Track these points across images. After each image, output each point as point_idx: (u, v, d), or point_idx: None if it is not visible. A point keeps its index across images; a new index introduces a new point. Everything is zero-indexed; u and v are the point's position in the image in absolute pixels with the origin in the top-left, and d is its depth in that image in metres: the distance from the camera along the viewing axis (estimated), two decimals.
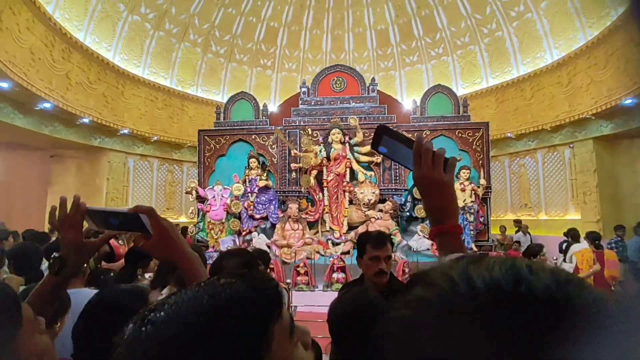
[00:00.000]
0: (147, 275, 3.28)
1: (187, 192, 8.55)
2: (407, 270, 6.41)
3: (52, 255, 0.99)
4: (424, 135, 8.49)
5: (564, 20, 9.84)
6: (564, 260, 6.37)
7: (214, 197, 8.08)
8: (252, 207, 8.09)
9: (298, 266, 6.66)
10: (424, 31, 12.97)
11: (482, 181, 8.13)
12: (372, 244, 2.08)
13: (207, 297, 0.47)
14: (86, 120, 9.49)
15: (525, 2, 10.61)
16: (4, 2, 6.57)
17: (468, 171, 8.08)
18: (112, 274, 3.25)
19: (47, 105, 8.22)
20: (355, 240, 7.12)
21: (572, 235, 6.55)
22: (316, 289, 6.55)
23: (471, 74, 12.57)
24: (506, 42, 11.46)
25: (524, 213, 11.48)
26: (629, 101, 8.00)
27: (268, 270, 2.92)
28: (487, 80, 12.18)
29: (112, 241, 3.82)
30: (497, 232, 9.67)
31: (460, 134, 8.49)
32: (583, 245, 6.27)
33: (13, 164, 10.45)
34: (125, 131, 10.87)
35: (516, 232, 9.93)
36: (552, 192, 10.98)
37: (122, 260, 3.91)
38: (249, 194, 8.14)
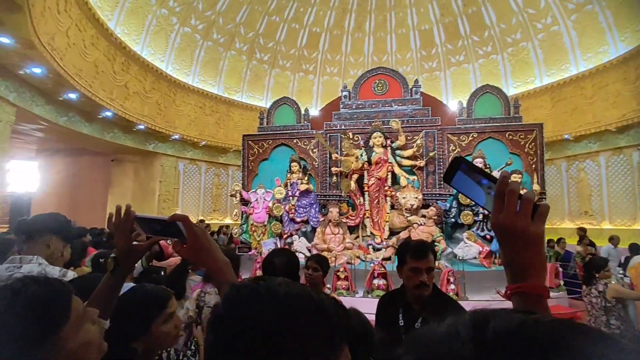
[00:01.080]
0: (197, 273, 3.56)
1: (231, 195, 8.86)
2: (452, 279, 6.13)
3: (109, 256, 1.12)
4: (472, 137, 8.13)
5: (629, 11, 8.95)
6: (625, 275, 5.80)
7: (256, 200, 8.30)
8: (293, 210, 8.19)
9: (338, 271, 6.62)
10: (471, 29, 12.44)
11: (536, 187, 7.58)
12: (412, 255, 1.97)
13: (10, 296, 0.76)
14: (141, 126, 10.20)
15: None
16: (69, 19, 7.25)
17: (520, 176, 7.57)
18: (162, 272, 3.47)
19: (108, 113, 8.95)
20: (396, 246, 6.96)
21: (632, 249, 5.92)
22: (356, 295, 6.46)
23: (523, 72, 11.83)
24: (563, 37, 10.65)
25: (584, 221, 10.55)
26: None
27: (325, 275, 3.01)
28: (541, 79, 11.39)
29: (162, 242, 4.07)
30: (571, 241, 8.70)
31: (510, 136, 8.00)
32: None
33: (80, 167, 11.50)
34: (176, 136, 11.53)
35: (578, 242, 8.99)
36: (617, 198, 10.00)
37: (171, 258, 4.18)
38: (290, 198, 8.25)
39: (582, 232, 9.06)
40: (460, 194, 7.57)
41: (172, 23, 11.09)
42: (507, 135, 8.03)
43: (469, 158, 8.05)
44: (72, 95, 7.83)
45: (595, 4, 9.69)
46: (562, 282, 7.04)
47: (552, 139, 10.15)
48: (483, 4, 11.83)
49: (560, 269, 7.27)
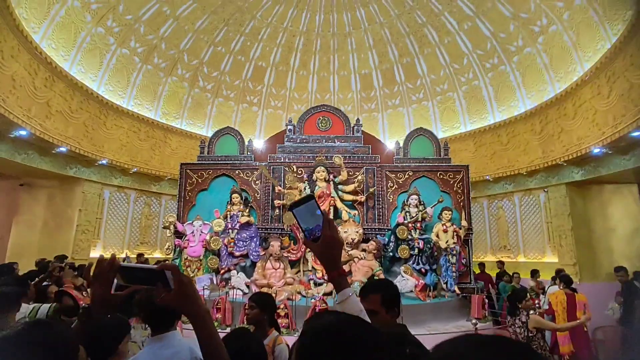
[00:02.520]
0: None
1: (164, 227, 8.24)
2: None
3: (82, 307, 1.18)
4: (408, 176, 8.64)
5: (535, 74, 10.59)
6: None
7: (192, 232, 7.81)
8: (232, 243, 7.83)
9: (278, 308, 6.35)
10: (406, 77, 13.63)
11: (464, 222, 8.22)
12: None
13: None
14: (63, 149, 9.20)
15: (499, 56, 11.40)
16: None
17: (450, 212, 8.19)
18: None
19: (23, 132, 7.95)
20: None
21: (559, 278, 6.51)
22: (296, 333, 6.22)
23: (450, 119, 13.14)
24: (482, 91, 12.15)
25: (504, 255, 11.61)
26: (597, 150, 8.47)
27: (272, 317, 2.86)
28: (465, 125, 12.74)
29: (75, 293, 3.53)
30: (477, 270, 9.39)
31: (441, 176, 8.70)
32: (556, 288, 6.40)
33: None
34: (104, 162, 10.58)
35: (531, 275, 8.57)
36: (529, 234, 11.22)
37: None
38: (230, 230, 7.91)
39: (500, 265, 9.95)
40: (393, 232, 7.91)
41: (109, 43, 10.49)
42: (438, 175, 8.71)
43: (404, 195, 8.56)
44: None
45: (507, 65, 11.29)
46: (486, 313, 7.54)
47: (475, 179, 11.22)
48: (415, 56, 13.11)
49: (487, 300, 7.79)
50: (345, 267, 7.49)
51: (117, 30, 10.51)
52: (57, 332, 0.99)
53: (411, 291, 7.30)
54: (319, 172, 8.12)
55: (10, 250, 10.10)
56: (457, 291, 7.85)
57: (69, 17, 9.21)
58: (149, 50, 11.55)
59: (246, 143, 9.06)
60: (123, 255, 11.07)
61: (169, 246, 8.00)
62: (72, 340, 1.01)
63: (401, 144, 9.15)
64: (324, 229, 1.14)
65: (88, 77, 10.07)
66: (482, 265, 9.81)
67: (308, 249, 7.76)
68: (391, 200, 8.60)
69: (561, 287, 6.13)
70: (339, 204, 8.11)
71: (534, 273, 8.50)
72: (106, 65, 10.59)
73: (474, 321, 5.32)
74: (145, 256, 10.52)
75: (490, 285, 8.96)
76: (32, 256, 8.88)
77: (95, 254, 10.73)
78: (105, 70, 10.63)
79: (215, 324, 6.19)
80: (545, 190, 10.68)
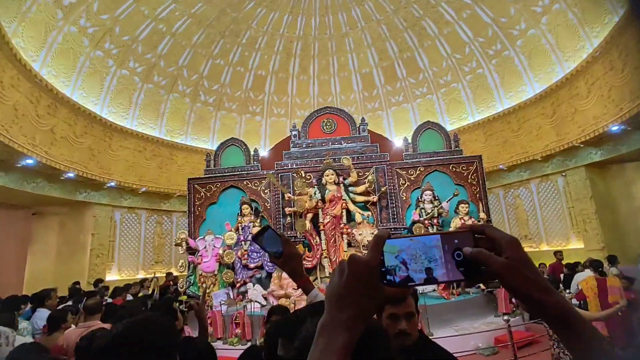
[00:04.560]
0: None
1: (176, 244, 8.11)
2: None
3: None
4: (419, 171, 8.40)
5: (541, 55, 10.28)
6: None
7: (205, 247, 7.66)
8: (246, 255, 7.67)
9: None
10: (407, 72, 13.42)
11: (482, 215, 7.92)
12: (388, 299, 1.77)
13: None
14: (71, 174, 9.19)
15: (501, 41, 11.12)
16: None
17: (467, 205, 7.90)
18: None
19: (29, 161, 7.95)
20: None
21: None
22: None
23: (457, 110, 12.85)
24: (488, 79, 11.86)
25: (525, 245, 11.21)
26: (615, 128, 8.11)
27: None
28: (473, 115, 12.44)
29: None
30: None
31: (454, 168, 8.42)
32: (587, 273, 6.29)
33: None
34: (112, 184, 10.56)
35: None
36: (550, 221, 10.83)
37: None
38: (243, 242, 7.75)
39: (560, 256, 9.00)
40: (409, 231, 7.65)
41: (108, 65, 10.53)
42: (451, 168, 8.43)
43: (417, 191, 8.31)
44: None
45: (511, 50, 11.00)
46: (514, 307, 7.19)
47: (488, 169, 10.89)
48: (416, 50, 12.90)
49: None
50: None
51: (116, 52, 10.54)
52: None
53: (434, 290, 7.02)
54: (327, 176, 7.93)
55: (27, 279, 10.10)
56: (482, 287, 7.53)
57: (67, 43, 9.25)
58: (148, 69, 11.56)
59: (252, 153, 8.93)
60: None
61: (182, 263, 7.87)
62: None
63: (409, 140, 8.91)
64: (283, 247, 1.27)
65: (90, 101, 10.09)
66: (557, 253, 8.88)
67: (324, 255, 7.56)
68: (404, 198, 8.35)
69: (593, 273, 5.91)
70: (351, 206, 7.89)
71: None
72: (107, 87, 10.62)
73: (505, 317, 5.02)
74: (158, 274, 10.44)
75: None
76: (48, 284, 8.82)
77: (110, 277, 10.68)
78: (107, 93, 10.65)
79: (235, 340, 6.01)
80: (564, 174, 10.31)
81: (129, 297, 7.46)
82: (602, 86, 8.26)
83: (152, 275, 11.04)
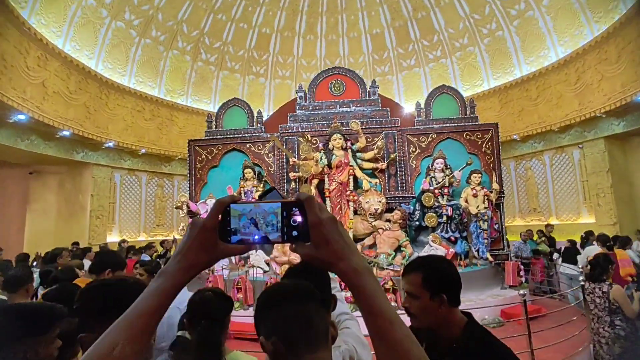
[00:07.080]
0: None
1: (177, 207, 7.88)
2: None
3: None
4: (431, 138, 7.98)
5: (569, 16, 9.50)
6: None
7: (206, 211, 7.41)
8: None
9: None
10: (421, 34, 12.61)
11: (495, 185, 7.56)
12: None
13: None
14: (66, 132, 8.81)
15: (526, 0, 10.27)
16: None
17: (479, 175, 7.52)
18: None
19: (21, 117, 7.55)
20: (363, 254, 6.49)
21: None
22: None
23: (471, 76, 12.18)
24: (507, 42, 11.10)
25: (534, 218, 10.97)
26: None
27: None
28: (488, 82, 11.78)
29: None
30: (517, 238, 8.76)
31: (468, 136, 7.98)
32: (596, 248, 6.22)
33: None
34: (111, 144, 10.19)
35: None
36: (562, 195, 10.49)
37: None
38: None
39: (550, 229, 9.02)
40: (417, 200, 7.35)
41: (102, 16, 9.84)
42: (464, 136, 7.99)
43: (428, 159, 7.93)
44: None
45: (535, 11, 10.19)
46: (523, 280, 7.03)
47: (501, 139, 10.42)
48: (432, 9, 12.03)
49: (522, 267, 7.23)
50: (369, 239, 7.05)
51: (109, 2, 9.81)
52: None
53: None
54: (335, 140, 7.52)
55: (27, 239, 10.01)
56: (490, 258, 7.33)
57: None
58: (145, 23, 10.85)
59: (255, 114, 8.48)
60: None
61: (183, 227, 7.67)
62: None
63: (422, 105, 8.40)
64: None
65: (84, 55, 9.51)
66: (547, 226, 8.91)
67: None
68: (414, 166, 7.98)
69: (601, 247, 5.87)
70: (359, 173, 7.54)
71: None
72: (102, 40, 9.98)
73: (521, 292, 4.79)
74: (159, 238, 10.33)
75: None
76: (50, 244, 8.71)
77: (112, 238, 10.57)
78: (102, 47, 10.03)
79: (237, 305, 5.88)
80: (580, 146, 9.84)
81: (145, 257, 7.43)
82: (634, 50, 7.62)
83: (172, 237, 10.97)
